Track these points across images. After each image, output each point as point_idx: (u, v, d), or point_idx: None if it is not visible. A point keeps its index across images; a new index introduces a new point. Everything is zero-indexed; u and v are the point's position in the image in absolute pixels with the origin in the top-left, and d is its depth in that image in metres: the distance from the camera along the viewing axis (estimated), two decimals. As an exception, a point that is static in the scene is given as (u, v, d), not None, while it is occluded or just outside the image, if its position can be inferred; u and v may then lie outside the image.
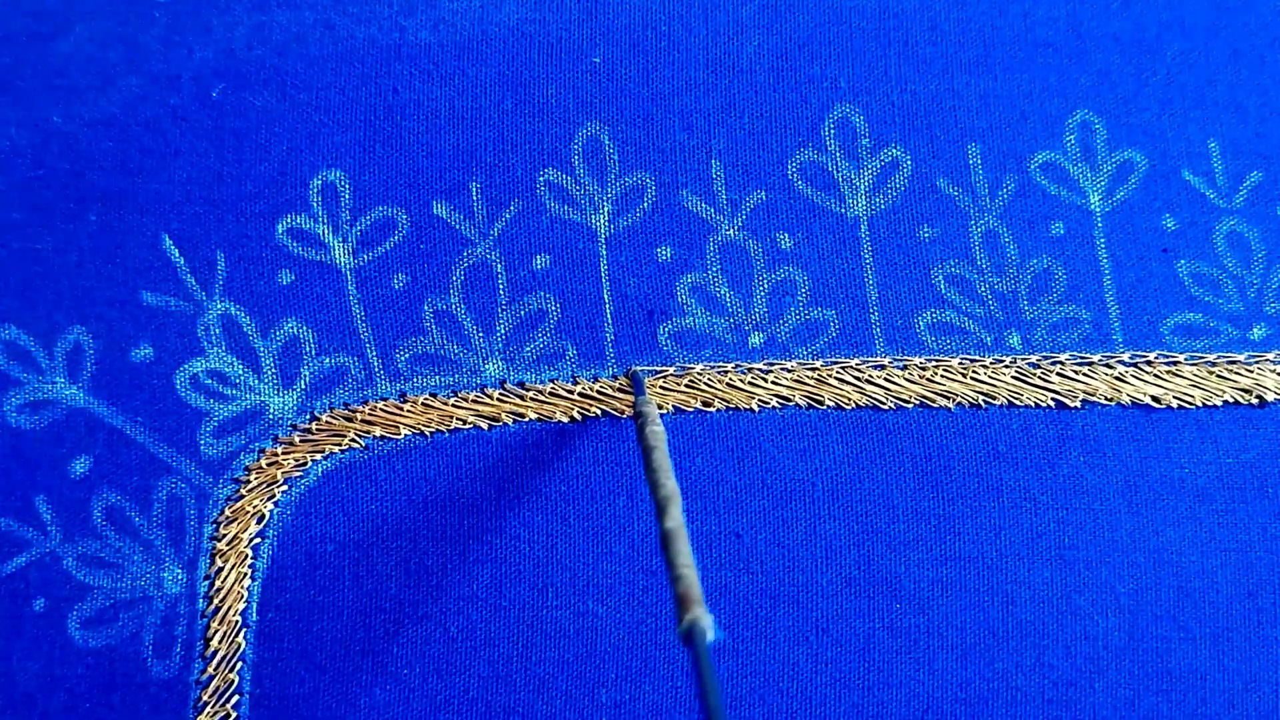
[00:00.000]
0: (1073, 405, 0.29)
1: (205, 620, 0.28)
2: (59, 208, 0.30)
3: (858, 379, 0.29)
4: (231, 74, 0.30)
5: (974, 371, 0.30)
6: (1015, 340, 0.30)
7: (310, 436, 0.29)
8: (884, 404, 0.29)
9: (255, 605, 0.28)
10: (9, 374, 0.29)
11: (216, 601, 0.28)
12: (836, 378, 0.29)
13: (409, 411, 0.29)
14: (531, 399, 0.29)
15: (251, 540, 0.28)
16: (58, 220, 0.30)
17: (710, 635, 0.19)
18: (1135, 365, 0.30)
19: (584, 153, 0.30)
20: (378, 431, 0.29)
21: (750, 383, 0.29)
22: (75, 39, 0.31)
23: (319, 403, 0.29)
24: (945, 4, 0.32)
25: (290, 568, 0.28)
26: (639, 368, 0.29)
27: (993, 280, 0.30)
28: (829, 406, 0.29)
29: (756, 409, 0.29)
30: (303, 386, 0.29)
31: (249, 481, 0.28)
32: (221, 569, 0.28)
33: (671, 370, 0.29)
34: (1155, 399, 0.30)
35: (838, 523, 0.29)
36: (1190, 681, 0.29)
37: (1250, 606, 0.29)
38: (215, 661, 0.27)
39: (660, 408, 0.29)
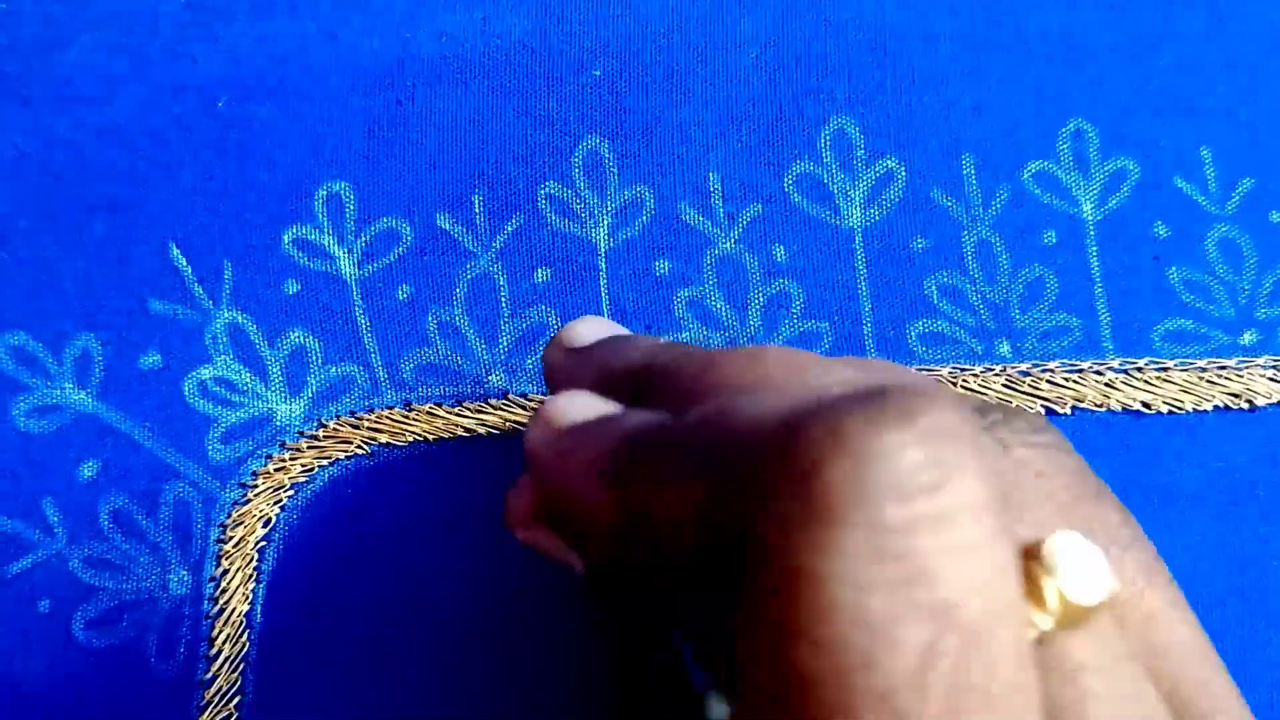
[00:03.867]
0: (1062, 412, 0.30)
1: (210, 622, 0.28)
2: (66, 216, 0.30)
3: (852, 386, 0.29)
4: (236, 85, 0.31)
5: (964, 380, 0.30)
6: (1006, 349, 0.30)
7: (317, 443, 0.29)
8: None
9: (260, 608, 0.28)
10: (18, 379, 0.29)
11: (221, 603, 0.28)
12: (832, 385, 0.29)
13: (414, 420, 0.29)
14: (534, 410, 0.29)
15: (257, 544, 0.28)
16: (65, 228, 0.30)
17: None
18: (1125, 372, 0.30)
19: (584, 166, 0.31)
20: (383, 439, 0.29)
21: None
22: (81, 48, 0.31)
23: (326, 411, 0.29)
24: (939, 15, 0.32)
25: (295, 571, 0.28)
26: None
27: (984, 289, 0.30)
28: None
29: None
30: (310, 395, 0.29)
31: (256, 486, 0.28)
32: (227, 571, 0.28)
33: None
34: (1145, 405, 0.30)
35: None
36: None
37: (1242, 608, 0.29)
38: (219, 663, 0.28)
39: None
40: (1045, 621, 0.15)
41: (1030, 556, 0.15)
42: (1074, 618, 0.15)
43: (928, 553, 0.12)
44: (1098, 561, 0.15)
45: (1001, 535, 0.13)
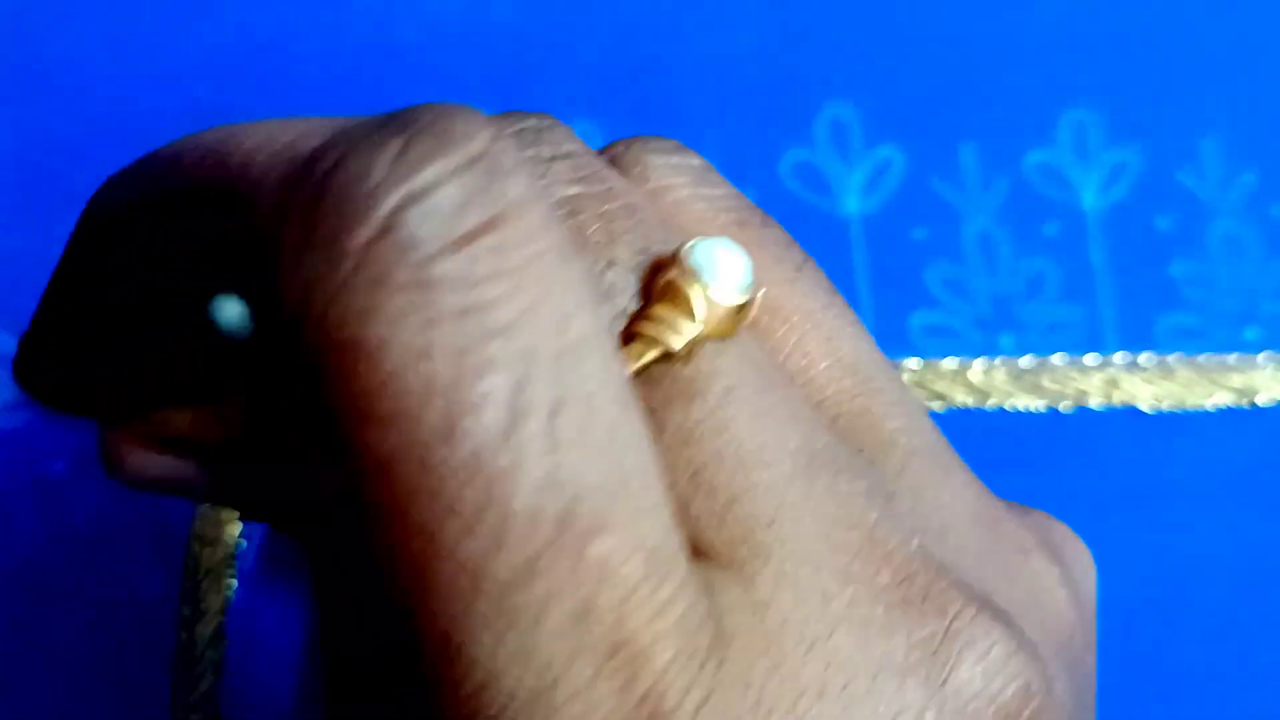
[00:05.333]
0: (1065, 407, 0.29)
1: (189, 622, 0.28)
2: (40, 208, 0.29)
3: (849, 380, 0.29)
4: (214, 74, 0.30)
5: (966, 374, 0.29)
6: (1007, 342, 0.30)
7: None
8: (876, 406, 0.29)
9: (239, 608, 0.28)
10: (-12, 374, 0.29)
11: (200, 604, 0.28)
12: (828, 379, 0.29)
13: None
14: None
15: (235, 542, 0.28)
16: (39, 220, 0.29)
17: None
18: (1127, 367, 0.30)
19: (573, 151, 0.30)
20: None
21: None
22: (59, 39, 0.30)
23: (303, 405, 0.29)
24: (940, 1, 0.32)
25: (274, 569, 0.28)
26: None
27: (985, 281, 0.30)
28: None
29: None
30: (286, 388, 0.29)
31: (232, 484, 0.28)
32: (206, 572, 0.28)
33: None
34: (1148, 400, 0.30)
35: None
36: (1185, 684, 0.29)
37: (1244, 607, 0.29)
38: (200, 664, 0.27)
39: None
40: (692, 330, 0.13)
41: (668, 266, 0.14)
42: (722, 326, 0.14)
43: (492, 302, 0.11)
44: (739, 258, 0.14)
45: (571, 260, 0.12)
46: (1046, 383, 0.30)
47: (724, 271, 0.14)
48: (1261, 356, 0.30)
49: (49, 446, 0.28)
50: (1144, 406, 0.30)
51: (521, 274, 0.11)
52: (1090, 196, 0.31)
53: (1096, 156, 0.31)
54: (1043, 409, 0.29)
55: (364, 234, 0.11)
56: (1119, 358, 0.30)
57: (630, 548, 0.11)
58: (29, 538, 0.28)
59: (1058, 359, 0.30)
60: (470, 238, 0.11)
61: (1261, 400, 0.30)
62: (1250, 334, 0.30)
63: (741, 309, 0.14)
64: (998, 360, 0.30)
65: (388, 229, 0.11)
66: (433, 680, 0.11)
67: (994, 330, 0.30)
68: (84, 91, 0.30)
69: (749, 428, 0.13)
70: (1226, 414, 0.30)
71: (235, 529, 0.28)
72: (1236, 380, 0.30)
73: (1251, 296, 0.31)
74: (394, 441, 0.11)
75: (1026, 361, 0.30)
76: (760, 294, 0.14)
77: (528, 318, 0.11)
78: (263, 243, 0.12)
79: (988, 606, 0.14)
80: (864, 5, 0.32)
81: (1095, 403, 0.30)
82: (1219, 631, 0.29)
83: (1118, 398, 0.30)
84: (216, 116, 0.30)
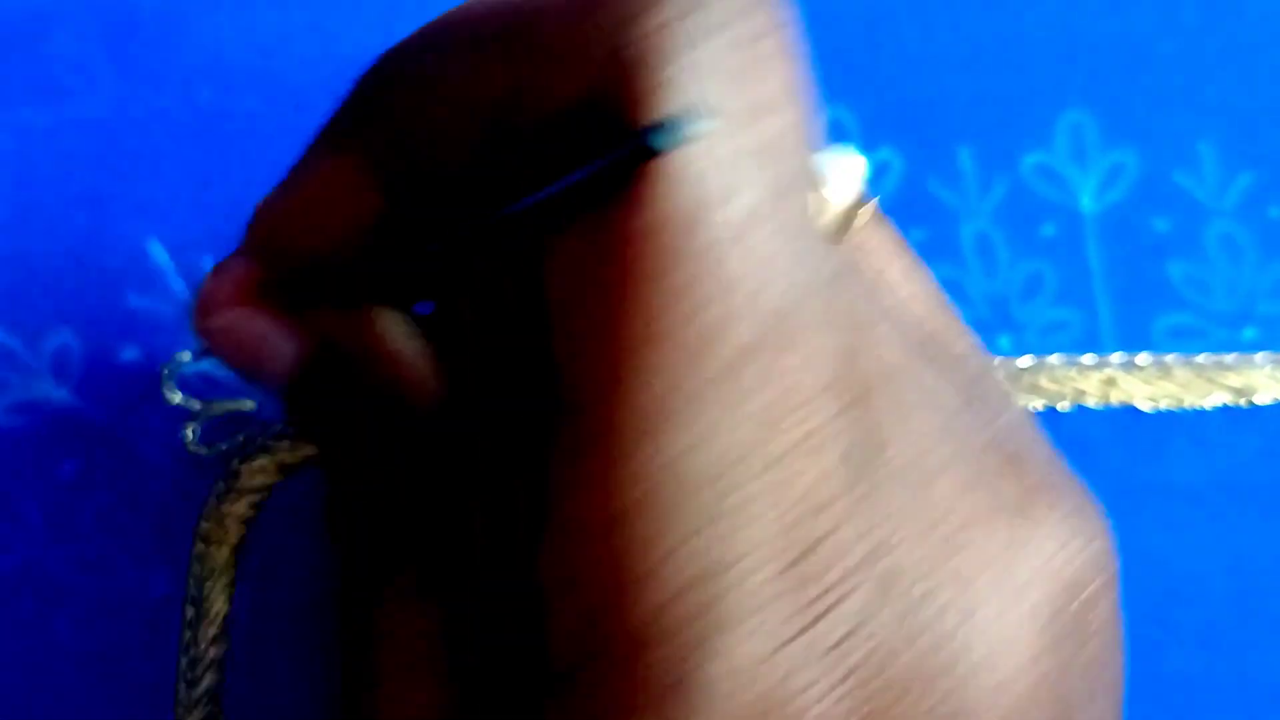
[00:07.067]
0: (1062, 408, 0.29)
1: (193, 622, 0.27)
2: (45, 210, 0.29)
3: (848, 381, 0.29)
4: (218, 76, 0.30)
5: (964, 374, 0.29)
6: (1005, 343, 0.30)
7: (299, 440, 0.28)
8: (874, 406, 0.29)
9: (243, 607, 0.28)
10: (-4, 376, 0.29)
11: (205, 604, 0.27)
12: (827, 380, 0.29)
13: (397, 415, 0.29)
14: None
15: (239, 543, 0.28)
16: (44, 222, 0.29)
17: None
18: (1125, 367, 0.30)
19: (573, 155, 0.30)
20: (366, 435, 0.29)
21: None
22: (60, 40, 0.30)
23: (307, 406, 0.29)
24: (937, 2, 0.32)
25: (277, 570, 0.28)
26: None
27: (983, 282, 0.30)
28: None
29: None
30: (291, 390, 0.29)
31: (237, 484, 0.28)
32: (210, 571, 0.28)
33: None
34: (1146, 400, 0.30)
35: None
36: (1180, 685, 0.29)
37: (1241, 608, 0.29)
38: (203, 663, 0.27)
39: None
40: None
41: None
42: (835, 223, 0.16)
43: (770, 99, 0.14)
44: (858, 161, 0.17)
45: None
46: (1044, 383, 0.29)
47: (841, 174, 0.16)
48: (1259, 356, 0.30)
49: (56, 447, 0.28)
50: (1142, 406, 0.30)
51: (792, 87, 0.14)
52: (1088, 198, 0.31)
53: (1094, 158, 0.31)
54: (1041, 409, 0.29)
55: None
56: (1116, 358, 0.30)
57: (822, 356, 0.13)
58: (34, 538, 0.28)
59: (1055, 359, 0.30)
60: (763, 33, 0.14)
61: (1259, 399, 0.30)
62: (1248, 334, 0.30)
63: (850, 212, 0.16)
64: (996, 361, 0.30)
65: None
66: (627, 452, 0.13)
67: (992, 331, 0.30)
68: (86, 92, 0.30)
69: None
70: (1224, 413, 0.30)
71: (240, 530, 0.28)
72: (1234, 380, 0.30)
73: (1249, 297, 0.31)
74: (679, 200, 0.13)
75: (1024, 362, 0.30)
76: (875, 201, 0.17)
77: (787, 137, 0.14)
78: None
79: (1062, 483, 0.16)
80: (862, 9, 0.31)
81: (1093, 402, 0.29)
82: (1217, 632, 0.29)
83: (1115, 397, 0.30)
84: (218, 118, 0.30)
